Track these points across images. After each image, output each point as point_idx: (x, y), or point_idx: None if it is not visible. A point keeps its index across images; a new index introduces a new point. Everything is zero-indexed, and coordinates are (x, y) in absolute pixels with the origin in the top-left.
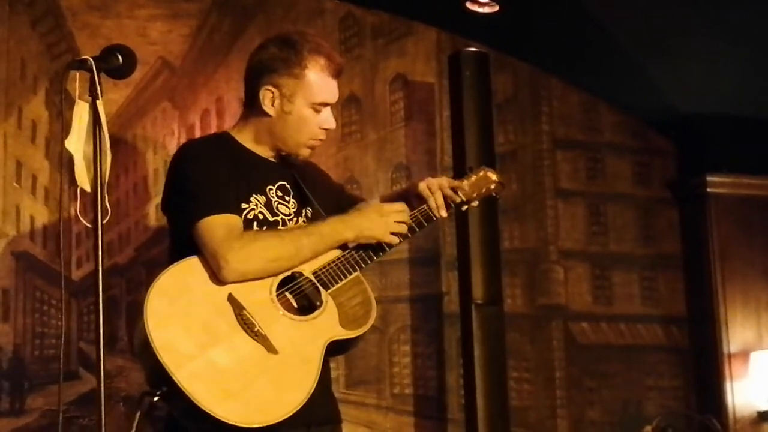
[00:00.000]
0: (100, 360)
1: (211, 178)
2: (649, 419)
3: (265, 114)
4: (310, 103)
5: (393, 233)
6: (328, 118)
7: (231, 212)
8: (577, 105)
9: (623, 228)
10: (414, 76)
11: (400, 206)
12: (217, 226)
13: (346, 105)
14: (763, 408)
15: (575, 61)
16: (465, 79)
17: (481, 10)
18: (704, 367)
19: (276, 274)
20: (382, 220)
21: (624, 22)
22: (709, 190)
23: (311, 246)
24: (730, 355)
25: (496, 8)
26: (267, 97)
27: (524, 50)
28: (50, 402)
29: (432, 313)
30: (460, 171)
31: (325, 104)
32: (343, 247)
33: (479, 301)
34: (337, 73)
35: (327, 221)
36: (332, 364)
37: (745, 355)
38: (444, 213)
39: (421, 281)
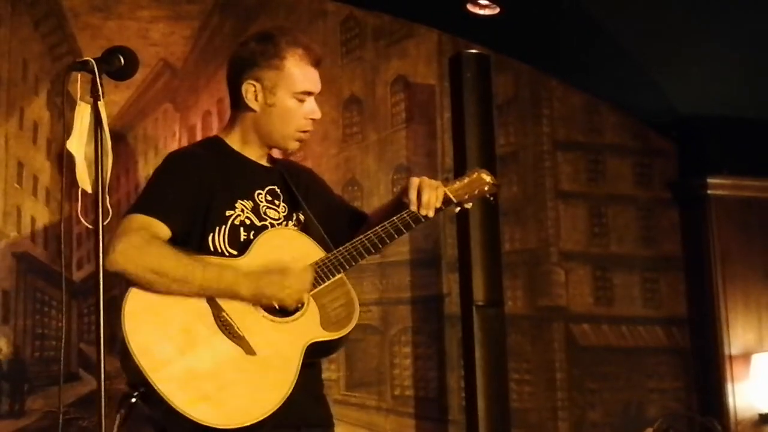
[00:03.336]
0: (100, 361)
1: (167, 186)
2: (650, 421)
3: (250, 109)
4: (292, 92)
5: (292, 297)
6: (313, 108)
7: (162, 219)
8: (577, 106)
9: (624, 229)
10: (415, 77)
11: (305, 274)
12: (135, 221)
13: (347, 106)
14: (765, 410)
15: (576, 63)
16: (466, 81)
17: (481, 12)
18: (705, 369)
19: (159, 291)
20: (281, 282)
21: (625, 23)
22: (709, 191)
23: (204, 281)
24: (731, 357)
25: (497, 10)
26: (249, 92)
27: (525, 52)
28: (50, 403)
29: (433, 315)
30: (460, 173)
31: (308, 93)
32: (328, 249)
33: (480, 303)
34: (316, 62)
35: (235, 270)
36: (332, 366)
37: (746, 357)
38: (430, 213)
39: (421, 283)
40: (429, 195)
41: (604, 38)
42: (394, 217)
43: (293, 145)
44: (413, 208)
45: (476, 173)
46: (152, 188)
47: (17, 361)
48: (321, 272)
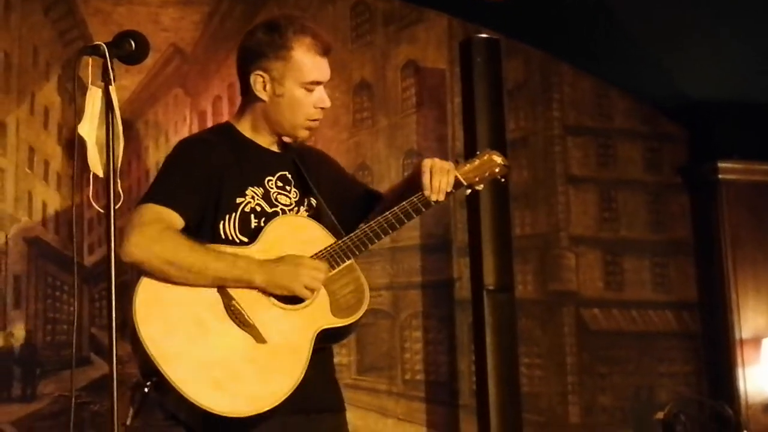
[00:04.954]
0: (112, 346)
1: (179, 175)
2: (661, 405)
3: (259, 99)
4: (300, 83)
5: (307, 287)
6: (322, 97)
7: (175, 209)
8: (588, 91)
9: (634, 214)
10: (425, 62)
11: (319, 264)
12: (149, 212)
13: (357, 91)
14: None
15: (586, 48)
16: (476, 66)
17: None
18: (716, 354)
19: (175, 281)
20: (295, 272)
21: (635, 8)
22: (720, 176)
23: (217, 271)
24: (741, 341)
25: None
26: (258, 82)
27: (535, 36)
28: (62, 388)
29: (443, 300)
30: (471, 157)
31: (317, 83)
32: (338, 235)
33: (491, 287)
34: (325, 51)
35: (248, 259)
36: (343, 351)
37: (756, 341)
38: (441, 197)
39: (432, 267)
40: (440, 180)
41: (613, 23)
42: (404, 202)
43: (303, 134)
44: (426, 192)
45: (487, 155)
46: (164, 177)
47: (29, 345)
48: (331, 258)
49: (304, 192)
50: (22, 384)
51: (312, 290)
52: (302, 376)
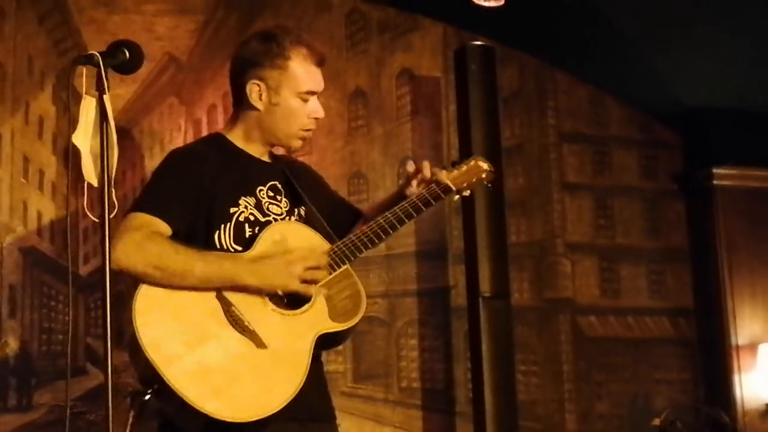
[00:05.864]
0: (107, 355)
1: (168, 185)
2: (657, 412)
3: (254, 108)
4: (296, 92)
5: (305, 281)
6: (316, 107)
7: (163, 218)
8: (583, 98)
9: (630, 221)
10: (420, 70)
11: (311, 255)
12: (136, 220)
13: (352, 99)
14: None
15: (581, 55)
16: (471, 74)
17: (486, 4)
18: (712, 360)
19: (162, 285)
20: (287, 270)
21: (630, 15)
22: (715, 182)
23: (203, 273)
24: (738, 348)
25: (502, 2)
26: (254, 91)
27: (530, 44)
28: (57, 398)
29: (439, 307)
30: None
31: (312, 93)
32: (332, 241)
33: (487, 295)
34: (319, 62)
35: (236, 259)
36: (339, 359)
37: (753, 347)
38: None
39: (428, 275)
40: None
41: (609, 30)
42: (396, 207)
43: (297, 144)
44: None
45: (474, 161)
46: (153, 186)
47: (24, 355)
48: (328, 263)
49: (294, 202)
50: (17, 394)
51: (311, 282)
52: (303, 381)
